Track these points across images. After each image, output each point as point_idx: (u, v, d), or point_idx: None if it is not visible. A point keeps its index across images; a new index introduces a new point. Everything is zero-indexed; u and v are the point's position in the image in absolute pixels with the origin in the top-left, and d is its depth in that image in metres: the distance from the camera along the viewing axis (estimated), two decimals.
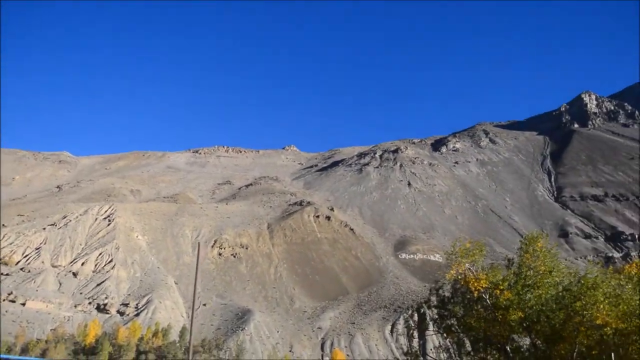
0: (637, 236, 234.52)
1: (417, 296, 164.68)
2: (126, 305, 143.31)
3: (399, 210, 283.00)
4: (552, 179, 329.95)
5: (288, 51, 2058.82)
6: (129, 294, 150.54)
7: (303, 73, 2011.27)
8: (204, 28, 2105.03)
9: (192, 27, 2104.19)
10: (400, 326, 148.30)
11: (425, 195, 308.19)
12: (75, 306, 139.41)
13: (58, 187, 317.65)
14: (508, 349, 26.83)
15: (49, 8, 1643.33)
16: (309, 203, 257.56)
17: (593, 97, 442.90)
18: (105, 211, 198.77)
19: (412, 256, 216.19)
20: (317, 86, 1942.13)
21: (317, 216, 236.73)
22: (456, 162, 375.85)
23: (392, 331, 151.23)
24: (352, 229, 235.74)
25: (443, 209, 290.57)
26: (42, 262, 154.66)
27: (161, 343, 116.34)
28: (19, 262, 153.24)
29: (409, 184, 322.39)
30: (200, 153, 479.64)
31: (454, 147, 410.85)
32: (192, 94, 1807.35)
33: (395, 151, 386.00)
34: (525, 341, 27.49)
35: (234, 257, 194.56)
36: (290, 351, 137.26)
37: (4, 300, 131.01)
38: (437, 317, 31.01)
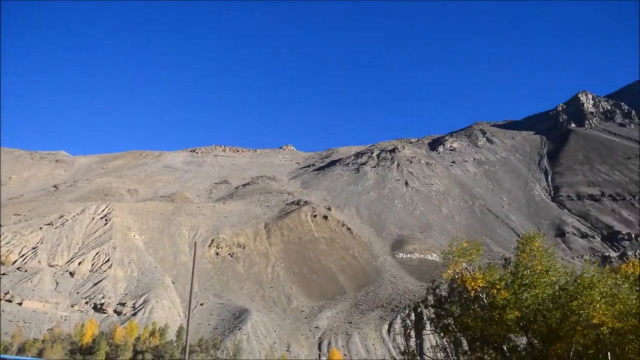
0: (633, 236, 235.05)
1: (414, 295, 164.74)
2: (123, 304, 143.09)
3: (396, 209, 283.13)
4: (549, 179, 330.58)
5: (285, 51, 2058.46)
6: (126, 294, 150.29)
7: (300, 73, 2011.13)
8: (201, 28, 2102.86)
9: (190, 27, 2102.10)
10: (398, 325, 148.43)
11: (423, 194, 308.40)
12: (72, 306, 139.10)
13: (55, 186, 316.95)
14: (505, 348, 26.86)
15: (47, 8, 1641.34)
16: (306, 202, 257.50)
17: (590, 96, 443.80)
18: (102, 210, 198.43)
19: (409, 255, 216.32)
20: (314, 86, 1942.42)
21: (315, 215, 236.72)
22: (453, 162, 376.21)
23: (389, 330, 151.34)
24: (349, 229, 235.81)
25: (440, 209, 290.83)
26: (39, 261, 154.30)
27: (158, 343, 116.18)
28: (15, 261, 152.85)
29: (406, 183, 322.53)
30: (197, 152, 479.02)
31: (451, 146, 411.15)
32: (190, 94, 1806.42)
33: (393, 150, 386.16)
34: (522, 340, 27.54)
35: (231, 256, 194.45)
36: (287, 351, 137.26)
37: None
38: (434, 316, 31.04)
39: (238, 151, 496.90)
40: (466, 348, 29.37)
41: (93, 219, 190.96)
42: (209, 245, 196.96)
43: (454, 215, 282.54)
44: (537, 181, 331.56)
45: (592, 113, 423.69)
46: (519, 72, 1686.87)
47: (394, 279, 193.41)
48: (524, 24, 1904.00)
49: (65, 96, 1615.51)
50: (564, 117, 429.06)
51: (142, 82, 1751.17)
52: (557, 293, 25.57)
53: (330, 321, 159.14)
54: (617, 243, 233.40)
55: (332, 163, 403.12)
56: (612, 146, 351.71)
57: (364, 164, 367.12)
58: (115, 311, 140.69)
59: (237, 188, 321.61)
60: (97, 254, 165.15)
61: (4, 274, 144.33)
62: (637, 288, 25.02)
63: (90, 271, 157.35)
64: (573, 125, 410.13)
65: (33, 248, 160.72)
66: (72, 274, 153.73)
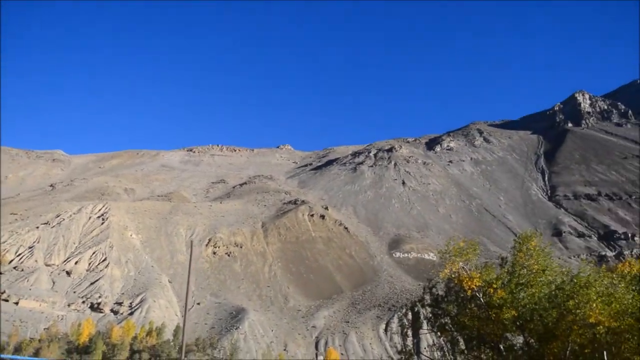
0: (630, 235, 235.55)
1: (411, 295, 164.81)
2: (120, 304, 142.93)
3: (393, 209, 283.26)
4: (546, 178, 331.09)
5: (283, 51, 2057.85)
6: (123, 293, 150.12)
7: (298, 72, 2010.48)
8: (199, 28, 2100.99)
9: (187, 27, 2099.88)
10: (394, 325, 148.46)
11: (420, 194, 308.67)
12: (69, 305, 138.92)
13: (51, 185, 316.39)
14: (501, 347, 26.87)
15: (43, 8, 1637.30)
16: (303, 202, 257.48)
17: (587, 96, 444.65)
18: (99, 210, 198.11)
19: (406, 255, 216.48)
20: (312, 85, 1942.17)
21: (312, 215, 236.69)
22: (450, 161, 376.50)
23: (386, 330, 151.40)
24: (346, 228, 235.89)
25: (437, 208, 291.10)
26: (36, 260, 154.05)
27: (155, 342, 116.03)
28: (12, 260, 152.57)
29: (403, 182, 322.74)
30: (194, 152, 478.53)
31: (448, 146, 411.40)
32: (187, 93, 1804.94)
33: (390, 150, 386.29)
34: (519, 340, 27.54)
35: (228, 255, 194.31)
36: (284, 350, 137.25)
37: None
38: (430, 315, 31.01)
39: (235, 150, 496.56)
40: (463, 347, 29.35)
41: (90, 218, 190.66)
42: (206, 245, 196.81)
43: (451, 215, 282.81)
44: (534, 181, 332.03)
45: (588, 113, 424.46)
46: (516, 72, 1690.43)
47: (391, 278, 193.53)
48: (522, 24, 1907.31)
49: (62, 95, 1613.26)
50: (560, 116, 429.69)
51: (140, 81, 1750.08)
52: (553, 292, 25.58)
53: (327, 320, 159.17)
54: (614, 242, 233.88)
55: (330, 162, 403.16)
56: (609, 146, 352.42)
57: (361, 163, 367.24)
58: (112, 310, 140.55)
59: (234, 187, 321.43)
60: (93, 253, 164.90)
61: (0, 273, 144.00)
62: (634, 287, 25.06)
63: (87, 270, 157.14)
64: (570, 124, 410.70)
65: (30, 247, 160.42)
66: (68, 273, 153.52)
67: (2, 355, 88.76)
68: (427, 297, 31.54)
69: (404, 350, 32.66)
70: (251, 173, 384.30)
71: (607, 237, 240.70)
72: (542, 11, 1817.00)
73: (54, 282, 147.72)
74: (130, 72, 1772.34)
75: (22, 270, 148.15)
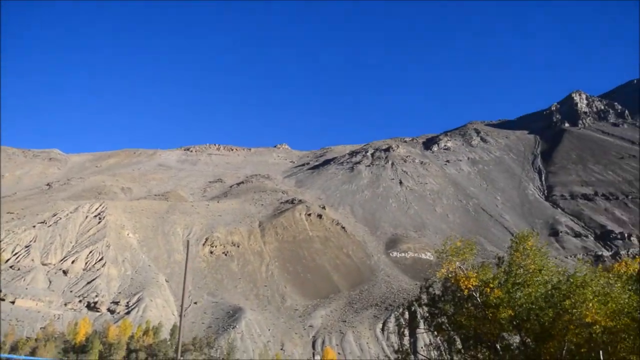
0: (626, 235, 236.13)
1: (408, 294, 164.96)
2: (117, 303, 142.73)
3: (391, 208, 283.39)
4: (543, 178, 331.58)
5: (280, 50, 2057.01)
6: (120, 292, 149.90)
7: (295, 72, 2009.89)
8: (196, 27, 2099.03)
9: (185, 26, 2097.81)
10: (392, 324, 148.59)
11: (417, 193, 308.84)
12: (66, 304, 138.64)
13: (48, 184, 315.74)
14: (498, 347, 26.95)
15: (40, 7, 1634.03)
16: (300, 201, 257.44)
17: (583, 96, 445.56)
18: (96, 209, 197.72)
19: (403, 254, 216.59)
20: (309, 85, 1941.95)
21: (309, 214, 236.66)
22: (447, 161, 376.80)
23: (383, 329, 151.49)
24: (343, 227, 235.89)
25: (434, 208, 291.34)
26: (32, 260, 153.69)
27: (152, 341, 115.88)
28: (8, 260, 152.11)
29: (401, 182, 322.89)
30: (191, 151, 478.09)
31: (445, 145, 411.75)
32: (184, 92, 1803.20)
33: (387, 150, 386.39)
34: (515, 339, 27.63)
35: (226, 255, 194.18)
36: (281, 349, 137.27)
37: None
38: (427, 315, 31.10)
39: (232, 150, 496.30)
40: (460, 347, 29.44)
41: (86, 217, 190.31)
42: (203, 244, 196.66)
43: (448, 215, 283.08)
44: (531, 180, 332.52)
45: (585, 113, 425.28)
46: (513, 72, 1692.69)
47: (388, 277, 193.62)
48: (519, 24, 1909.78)
49: (60, 95, 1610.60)
50: (557, 116, 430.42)
51: (137, 80, 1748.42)
52: (550, 292, 25.66)
53: (324, 320, 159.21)
54: (610, 242, 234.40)
55: (327, 162, 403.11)
56: (606, 146, 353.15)
57: (359, 163, 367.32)
58: (108, 310, 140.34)
59: (231, 187, 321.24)
60: (90, 252, 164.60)
61: None
62: (630, 287, 25.15)
63: (83, 270, 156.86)
64: (567, 124, 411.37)
65: (26, 246, 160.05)
66: (65, 273, 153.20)
67: (9, 356, 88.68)
68: (424, 296, 31.62)
69: (401, 349, 32.75)
70: (248, 172, 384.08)
71: (604, 237, 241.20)
72: (540, 11, 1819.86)
73: (50, 281, 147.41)
74: (127, 72, 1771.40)
75: (19, 269, 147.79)
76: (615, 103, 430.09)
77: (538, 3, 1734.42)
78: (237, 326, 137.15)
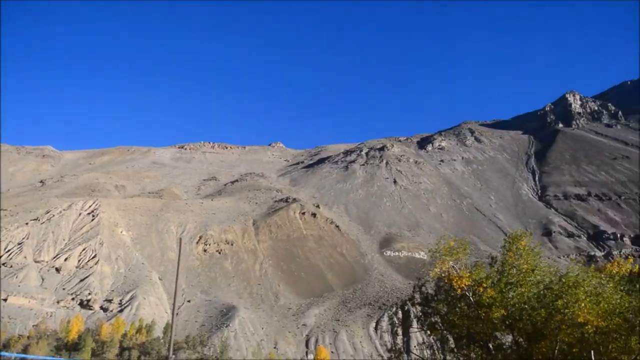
0: (619, 235, 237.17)
1: (401, 293, 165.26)
2: (110, 301, 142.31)
3: (385, 207, 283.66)
4: (536, 178, 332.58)
5: (275, 49, 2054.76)
6: (113, 290, 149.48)
7: (290, 70, 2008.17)
8: (192, 25, 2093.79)
9: (180, 24, 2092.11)
10: (385, 323, 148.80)
11: (411, 193, 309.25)
12: (58, 302, 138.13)
13: (41, 181, 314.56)
14: (490, 346, 27.00)
15: (37, 7, 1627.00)
16: (294, 200, 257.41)
17: (577, 97, 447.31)
18: (89, 206, 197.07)
19: (397, 253, 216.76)
20: (304, 84, 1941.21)
21: (303, 213, 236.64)
22: (442, 161, 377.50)
23: (376, 328, 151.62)
24: (337, 226, 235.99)
25: (428, 207, 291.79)
26: (25, 257, 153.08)
27: (145, 339, 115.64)
28: (0, 257, 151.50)
29: (395, 181, 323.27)
30: (185, 149, 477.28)
31: (439, 145, 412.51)
32: (179, 90, 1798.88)
33: (382, 149, 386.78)
34: (508, 339, 27.68)
35: (219, 253, 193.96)
36: (274, 348, 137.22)
37: None
38: (420, 314, 31.12)
39: (227, 148, 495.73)
40: (453, 346, 29.48)
41: (80, 214, 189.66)
42: (197, 242, 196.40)
43: (442, 214, 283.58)
44: (525, 180, 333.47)
45: (579, 113, 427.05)
46: (508, 72, 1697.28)
47: (381, 276, 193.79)
48: (514, 24, 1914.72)
49: (53, 92, 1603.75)
50: (551, 117, 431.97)
51: (131, 78, 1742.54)
52: (542, 292, 25.72)
53: (318, 318, 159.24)
54: (603, 243, 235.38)
55: (321, 161, 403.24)
56: (599, 146, 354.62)
57: (353, 162, 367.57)
58: (101, 307, 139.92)
59: (225, 185, 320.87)
60: (83, 249, 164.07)
61: None
62: (622, 287, 25.24)
63: (76, 267, 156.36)
64: (560, 125, 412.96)
65: (19, 243, 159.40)
66: (58, 270, 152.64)
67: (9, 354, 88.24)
68: (417, 295, 31.65)
69: (394, 348, 32.76)
70: (243, 170, 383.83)
71: (597, 237, 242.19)
72: (535, 12, 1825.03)
73: (43, 279, 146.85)
74: (121, 70, 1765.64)
75: (11, 266, 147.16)
76: (609, 104, 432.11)
77: (533, 4, 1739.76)
78: (230, 324, 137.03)
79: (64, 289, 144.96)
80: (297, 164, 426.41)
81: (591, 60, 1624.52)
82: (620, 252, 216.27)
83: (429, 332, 30.38)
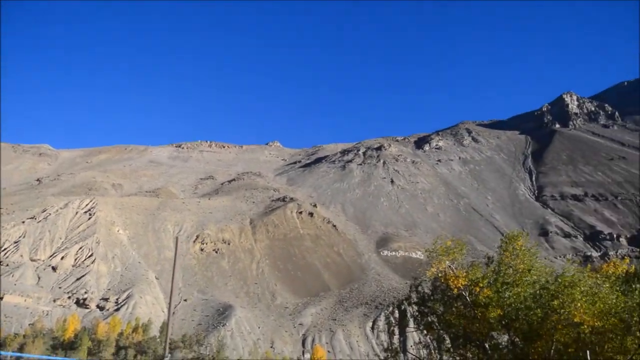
0: (615, 236, 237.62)
1: (398, 293, 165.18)
2: (106, 300, 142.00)
3: (382, 207, 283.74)
4: (533, 178, 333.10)
5: (273, 48, 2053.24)
6: (109, 289, 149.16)
7: (288, 70, 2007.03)
8: (189, 24, 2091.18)
9: (177, 23, 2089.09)
10: (381, 323, 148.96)
11: (408, 192, 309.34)
12: (54, 301, 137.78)
13: (38, 180, 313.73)
14: (487, 346, 27.04)
15: (32, 5, 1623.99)
16: (291, 199, 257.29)
17: (574, 97, 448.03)
18: (86, 205, 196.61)
19: (394, 253, 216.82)
20: (301, 83, 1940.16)
21: (300, 212, 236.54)
22: (439, 160, 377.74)
23: (373, 328, 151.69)
24: (334, 226, 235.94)
25: (425, 207, 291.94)
26: (21, 255, 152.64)
27: (141, 338, 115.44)
28: None
29: (392, 181, 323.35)
30: (183, 148, 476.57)
31: (437, 145, 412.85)
32: (176, 89, 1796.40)
33: (379, 148, 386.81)
34: (504, 338, 27.72)
35: (216, 252, 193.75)
36: (271, 347, 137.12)
37: None
38: (417, 314, 31.15)
39: (224, 147, 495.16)
40: (449, 345, 29.51)
41: (77, 213, 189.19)
42: (194, 241, 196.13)
43: (439, 214, 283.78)
44: (522, 181, 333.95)
45: (576, 114, 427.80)
46: (505, 72, 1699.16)
47: (378, 276, 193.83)
48: (511, 25, 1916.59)
49: (50, 90, 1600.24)
50: (548, 117, 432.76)
51: (129, 77, 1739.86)
52: (538, 292, 25.74)
53: (315, 318, 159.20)
54: (599, 243, 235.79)
55: (318, 160, 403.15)
56: (596, 147, 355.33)
57: (350, 161, 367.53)
58: (98, 306, 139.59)
59: (222, 184, 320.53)
60: (80, 248, 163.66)
61: None
62: (618, 288, 25.29)
63: (73, 266, 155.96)
64: (557, 125, 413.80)
65: (15, 242, 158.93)
66: (54, 269, 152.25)
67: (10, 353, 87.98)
68: (414, 295, 31.67)
69: (390, 348, 32.78)
70: (240, 170, 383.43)
71: (593, 237, 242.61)
72: (532, 13, 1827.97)
73: (39, 278, 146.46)
74: (119, 69, 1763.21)
75: (7, 265, 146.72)
76: (606, 105, 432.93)
77: (531, 5, 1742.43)
78: (227, 324, 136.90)
79: (60, 287, 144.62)
80: (295, 163, 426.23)
81: (588, 61, 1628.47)
82: (616, 252, 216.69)
83: (425, 331, 30.42)
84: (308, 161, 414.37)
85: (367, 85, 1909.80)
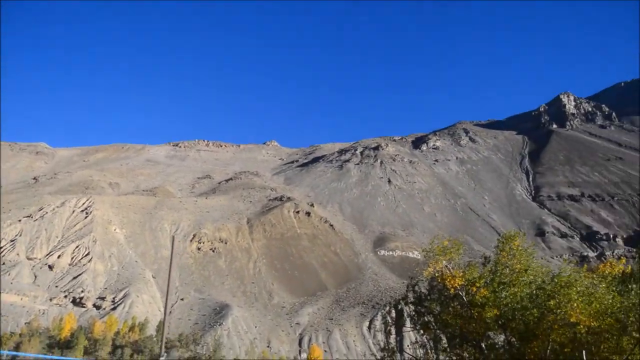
0: (611, 236, 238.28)
1: (395, 293, 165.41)
2: (103, 299, 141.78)
3: (379, 207, 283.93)
4: (530, 179, 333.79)
5: (271, 48, 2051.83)
6: (106, 288, 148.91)
7: (286, 69, 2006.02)
8: (186, 24, 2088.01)
9: (175, 23, 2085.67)
10: (378, 322, 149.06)
11: (405, 192, 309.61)
12: (51, 299, 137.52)
13: (35, 178, 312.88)
14: (483, 345, 27.05)
15: (29, 5, 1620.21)
16: (289, 198, 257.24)
17: (571, 98, 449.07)
18: (83, 204, 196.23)
19: (391, 253, 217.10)
20: (299, 82, 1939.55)
21: (297, 212, 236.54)
22: (436, 160, 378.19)
23: (369, 327, 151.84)
24: (331, 225, 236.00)
25: (422, 207, 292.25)
26: (17, 254, 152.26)
27: (138, 337, 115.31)
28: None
29: (389, 181, 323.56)
30: (180, 146, 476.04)
31: (434, 145, 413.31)
32: (173, 88, 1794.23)
33: (376, 148, 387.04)
34: (500, 338, 27.74)
35: (213, 251, 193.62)
36: (268, 346, 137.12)
37: None
38: (414, 313, 31.15)
39: (221, 146, 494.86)
40: (445, 345, 29.52)
41: (73, 212, 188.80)
42: (191, 240, 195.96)
43: (436, 214, 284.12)
44: (519, 181, 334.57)
45: (573, 114, 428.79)
46: (503, 73, 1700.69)
47: (375, 276, 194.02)
48: (510, 25, 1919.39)
49: (48, 89, 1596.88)
50: (545, 117, 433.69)
51: (127, 76, 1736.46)
52: (535, 292, 25.78)
53: (311, 317, 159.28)
54: (596, 243, 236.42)
55: (316, 159, 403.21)
56: (593, 147, 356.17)
57: (348, 161, 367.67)
58: (94, 305, 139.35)
59: (219, 183, 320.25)
60: (77, 247, 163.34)
61: None
62: (614, 288, 25.33)
63: (69, 265, 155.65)
64: (554, 126, 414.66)
65: (11, 240, 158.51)
66: (51, 267, 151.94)
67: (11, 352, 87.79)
68: (411, 295, 31.67)
69: (387, 347, 32.77)
70: (237, 169, 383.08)
71: (590, 237, 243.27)
72: (530, 13, 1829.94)
73: (35, 276, 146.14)
74: (117, 67, 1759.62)
75: (4, 263, 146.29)
76: (603, 105, 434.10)
77: (529, 5, 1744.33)
78: (223, 323, 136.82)
79: (56, 286, 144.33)
80: (292, 162, 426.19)
81: (586, 62, 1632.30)
82: (612, 252, 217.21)
83: (422, 331, 30.43)
84: (305, 161, 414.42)
85: (365, 85, 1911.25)
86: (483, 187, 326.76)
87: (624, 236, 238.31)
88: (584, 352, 22.93)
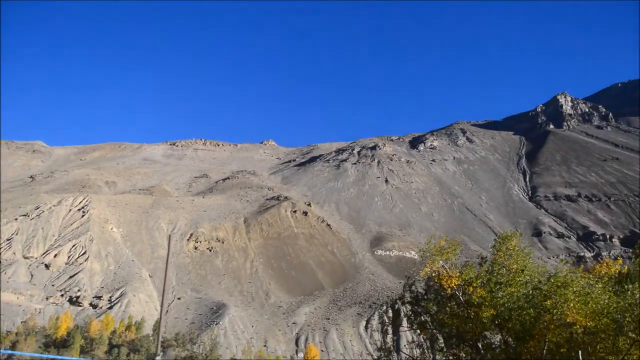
0: (608, 236, 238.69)
1: (392, 292, 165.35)
2: (99, 298, 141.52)
3: (376, 206, 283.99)
4: (527, 179, 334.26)
5: (268, 47, 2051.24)
6: (102, 287, 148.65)
7: (283, 69, 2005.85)
8: (183, 22, 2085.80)
9: (172, 21, 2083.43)
10: (375, 322, 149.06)
11: (402, 192, 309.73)
12: (47, 298, 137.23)
13: (31, 177, 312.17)
14: (480, 345, 27.07)
15: (27, 4, 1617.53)
16: (286, 198, 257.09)
17: (568, 98, 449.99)
18: (80, 202, 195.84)
19: (387, 252, 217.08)
20: (296, 82, 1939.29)
21: (294, 211, 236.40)
22: (433, 160, 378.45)
23: (366, 327, 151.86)
24: (328, 225, 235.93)
25: (419, 206, 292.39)
26: (14, 253, 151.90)
27: (134, 337, 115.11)
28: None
29: (386, 180, 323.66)
30: (177, 145, 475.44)
31: (431, 145, 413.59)
32: (171, 86, 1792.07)
33: (373, 148, 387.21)
34: (497, 338, 27.77)
35: (210, 251, 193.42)
36: (264, 346, 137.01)
37: None
38: (410, 313, 31.16)
39: (218, 145, 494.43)
40: (442, 345, 29.54)
41: (70, 210, 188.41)
42: (188, 240, 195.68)
43: (433, 213, 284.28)
44: (516, 181, 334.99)
45: (570, 115, 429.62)
46: (500, 73, 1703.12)
47: (372, 275, 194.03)
48: (507, 26, 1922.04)
49: (45, 87, 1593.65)
50: (542, 118, 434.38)
51: (123, 75, 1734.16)
52: (531, 292, 25.81)
53: (308, 317, 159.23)
54: (592, 243, 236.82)
55: (313, 159, 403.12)
56: (589, 148, 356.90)
57: (345, 160, 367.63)
58: (91, 304, 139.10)
59: (217, 182, 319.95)
60: (73, 246, 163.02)
61: None
62: (610, 288, 25.38)
63: (66, 263, 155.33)
64: (551, 126, 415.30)
65: (8, 239, 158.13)
66: (47, 266, 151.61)
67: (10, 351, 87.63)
68: (407, 295, 31.68)
69: (383, 347, 32.78)
70: (234, 168, 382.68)
71: (586, 238, 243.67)
72: (528, 14, 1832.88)
73: (32, 275, 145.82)
74: (114, 66, 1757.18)
75: (0, 262, 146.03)
76: (600, 106, 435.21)
77: (528, 5, 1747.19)
78: (220, 322, 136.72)
79: (53, 285, 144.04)
80: (289, 162, 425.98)
81: (582, 63, 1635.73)
82: (609, 253, 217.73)
83: (418, 331, 30.43)
84: (303, 160, 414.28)
85: (363, 84, 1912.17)
86: (480, 187, 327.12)
87: (621, 236, 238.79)
88: (580, 352, 22.95)
